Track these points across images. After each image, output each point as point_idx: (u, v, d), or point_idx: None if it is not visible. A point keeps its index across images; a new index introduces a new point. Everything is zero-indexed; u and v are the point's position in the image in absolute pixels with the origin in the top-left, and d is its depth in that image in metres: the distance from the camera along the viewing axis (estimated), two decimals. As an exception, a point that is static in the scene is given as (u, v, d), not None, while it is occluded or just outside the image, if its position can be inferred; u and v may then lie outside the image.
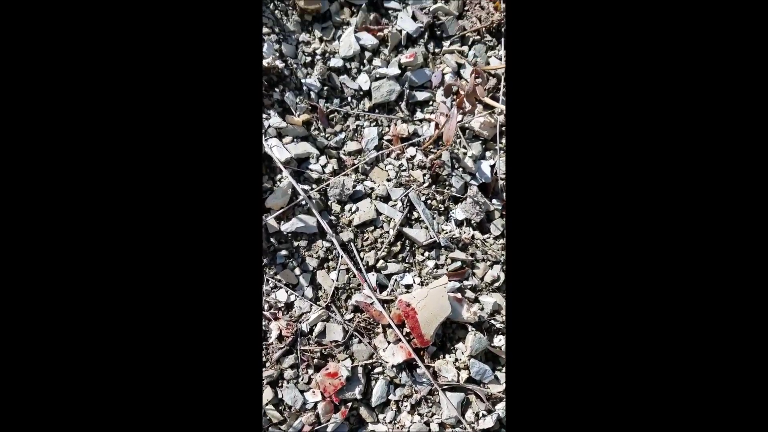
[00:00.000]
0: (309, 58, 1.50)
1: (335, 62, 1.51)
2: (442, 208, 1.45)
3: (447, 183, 1.46)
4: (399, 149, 1.46)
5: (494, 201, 1.50)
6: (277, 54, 1.45)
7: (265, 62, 1.38)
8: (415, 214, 1.42)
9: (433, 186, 1.44)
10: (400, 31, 1.56)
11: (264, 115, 1.39)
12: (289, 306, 1.33)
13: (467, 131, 1.54)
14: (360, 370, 1.30)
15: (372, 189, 1.43)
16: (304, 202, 1.36)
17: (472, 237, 1.43)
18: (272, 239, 1.35)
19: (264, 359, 1.28)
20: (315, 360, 1.30)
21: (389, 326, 1.32)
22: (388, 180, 1.44)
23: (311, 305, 1.33)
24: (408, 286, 1.37)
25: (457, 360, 1.34)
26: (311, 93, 1.47)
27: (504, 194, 1.50)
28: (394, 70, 1.52)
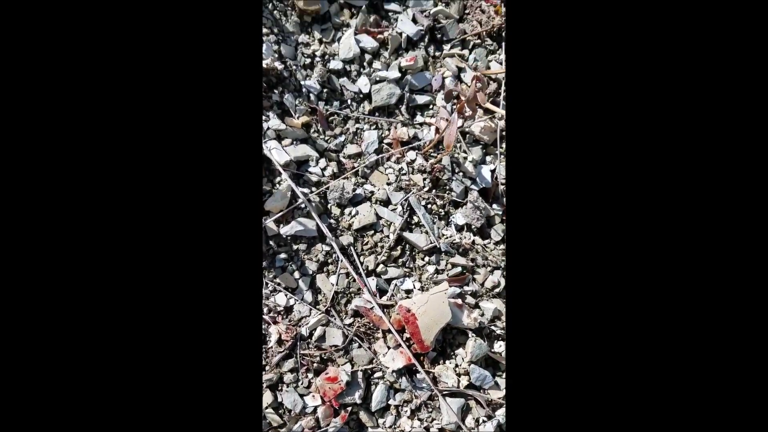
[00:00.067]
0: (308, 60, 1.49)
1: (335, 64, 1.50)
2: (443, 213, 1.44)
3: (447, 187, 1.45)
4: (399, 153, 1.46)
5: (495, 206, 1.50)
6: (276, 55, 1.44)
7: (263, 63, 1.37)
8: (416, 219, 1.41)
9: (434, 190, 1.44)
10: (401, 34, 1.55)
11: (263, 117, 1.38)
12: (288, 310, 1.32)
13: (468, 136, 1.53)
14: (360, 374, 1.29)
15: (372, 192, 1.42)
16: (303, 205, 1.35)
17: (473, 242, 1.43)
18: (271, 242, 1.34)
19: (264, 363, 1.27)
20: (315, 364, 1.29)
21: (389, 331, 1.31)
22: (388, 184, 1.43)
23: (311, 309, 1.32)
24: (408, 291, 1.36)
25: (457, 366, 1.33)
26: (311, 95, 1.46)
27: (504, 199, 1.49)
28: (394, 73, 1.51)
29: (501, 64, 1.59)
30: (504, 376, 1.34)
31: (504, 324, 1.37)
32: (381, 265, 1.36)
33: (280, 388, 1.28)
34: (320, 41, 1.52)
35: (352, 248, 1.36)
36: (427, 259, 1.39)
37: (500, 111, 1.48)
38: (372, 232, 1.38)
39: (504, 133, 1.50)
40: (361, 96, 1.51)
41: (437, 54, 1.60)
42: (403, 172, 1.45)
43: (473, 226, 1.44)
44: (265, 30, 1.44)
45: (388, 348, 1.31)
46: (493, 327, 1.36)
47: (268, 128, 1.37)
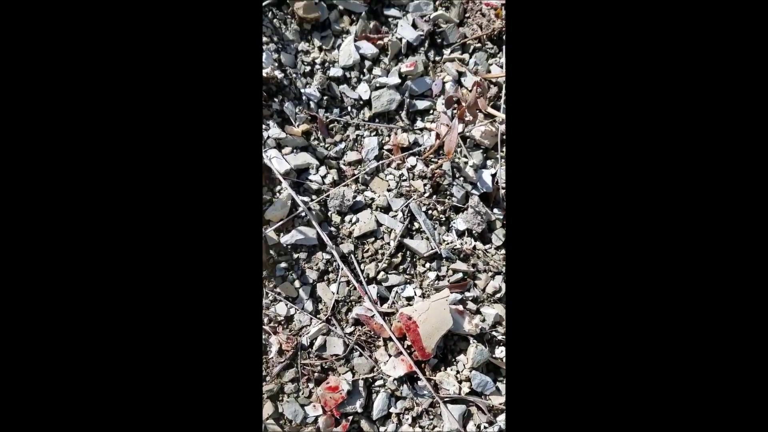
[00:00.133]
0: (308, 68, 1.49)
1: (335, 71, 1.50)
2: (444, 219, 1.43)
3: (448, 193, 1.45)
4: (399, 159, 1.45)
5: (496, 210, 1.49)
6: (276, 63, 1.44)
7: (263, 72, 1.37)
8: (416, 225, 1.40)
9: (434, 196, 1.43)
10: (400, 40, 1.55)
11: (263, 126, 1.38)
12: (289, 319, 1.32)
13: (468, 140, 1.53)
14: (361, 383, 1.29)
15: (372, 199, 1.41)
16: (303, 214, 1.34)
17: (474, 247, 1.42)
18: (271, 251, 1.34)
19: (264, 373, 1.27)
20: (315, 374, 1.28)
21: (390, 339, 1.30)
22: (389, 190, 1.42)
23: (311, 318, 1.31)
24: (409, 298, 1.35)
25: (458, 372, 1.32)
26: (311, 103, 1.46)
27: (505, 204, 1.49)
28: (394, 79, 1.51)
29: (501, 67, 1.58)
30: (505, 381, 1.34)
31: (505, 329, 1.36)
32: (382, 273, 1.36)
33: (280, 398, 1.28)
34: (320, 48, 1.52)
35: (352, 256, 1.36)
36: (428, 265, 1.39)
37: (501, 115, 1.47)
38: (372, 239, 1.38)
39: (504, 137, 1.50)
40: (361, 103, 1.51)
41: (437, 59, 1.59)
42: (404, 178, 1.44)
43: (474, 231, 1.43)
44: (264, 39, 1.44)
45: (389, 356, 1.31)
46: (494, 332, 1.36)
47: (269, 137, 1.37)
